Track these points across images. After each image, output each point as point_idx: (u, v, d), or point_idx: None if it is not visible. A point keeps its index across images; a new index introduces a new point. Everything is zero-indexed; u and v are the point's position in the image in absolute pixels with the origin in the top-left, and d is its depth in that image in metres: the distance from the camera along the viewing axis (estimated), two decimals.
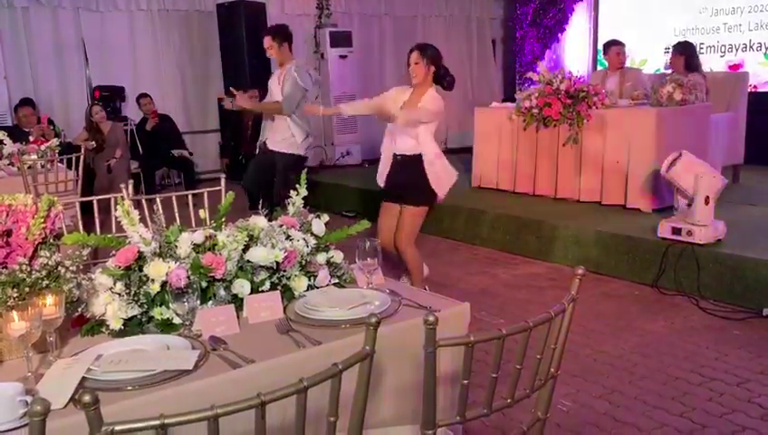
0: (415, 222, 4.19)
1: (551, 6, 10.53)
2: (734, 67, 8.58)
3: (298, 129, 5.29)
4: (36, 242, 1.79)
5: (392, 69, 10.56)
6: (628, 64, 7.80)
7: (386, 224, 4.25)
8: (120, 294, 1.85)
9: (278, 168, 5.35)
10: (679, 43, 6.84)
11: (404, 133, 4.10)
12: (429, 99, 4.08)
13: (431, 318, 1.38)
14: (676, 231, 4.57)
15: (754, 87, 8.07)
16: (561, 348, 1.66)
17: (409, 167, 4.11)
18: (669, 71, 6.71)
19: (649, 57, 9.33)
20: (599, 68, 9.08)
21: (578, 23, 10.60)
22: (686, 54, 6.50)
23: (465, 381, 1.46)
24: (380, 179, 4.33)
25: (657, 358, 3.60)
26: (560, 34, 10.74)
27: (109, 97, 8.64)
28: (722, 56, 8.79)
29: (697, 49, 8.28)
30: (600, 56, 8.23)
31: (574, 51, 10.70)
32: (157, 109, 8.42)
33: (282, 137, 5.34)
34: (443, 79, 4.13)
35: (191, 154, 8.53)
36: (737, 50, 8.68)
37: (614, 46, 6.81)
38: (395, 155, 4.19)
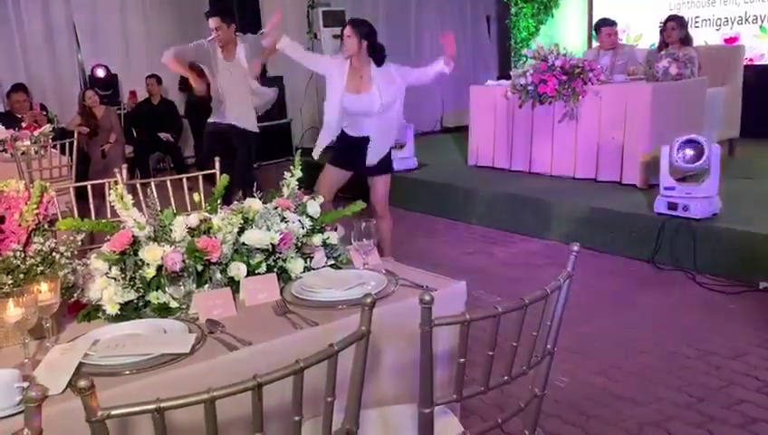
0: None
1: None
2: (730, 40, 8.52)
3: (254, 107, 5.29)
4: (30, 228, 1.78)
5: (386, 48, 10.46)
6: (623, 40, 7.74)
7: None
8: (115, 279, 1.85)
9: (240, 143, 5.24)
10: (677, 16, 6.78)
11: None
12: (384, 73, 4.18)
13: (427, 297, 1.38)
14: (673, 206, 4.57)
15: (750, 60, 8.03)
16: (558, 325, 1.66)
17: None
18: (660, 46, 6.66)
19: (645, 32, 9.26)
20: (594, 44, 9.01)
21: None
22: (679, 28, 6.46)
23: (462, 360, 1.46)
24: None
25: (655, 333, 3.62)
26: (554, 10, 10.65)
27: (104, 80, 8.60)
28: (717, 29, 8.73)
29: (692, 22, 8.23)
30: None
31: (569, 27, 10.62)
32: (155, 91, 8.39)
33: (247, 108, 5.24)
34: (374, 56, 4.20)
35: (174, 138, 8.45)
36: (733, 23, 8.61)
37: (605, 27, 6.77)
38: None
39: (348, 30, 4.14)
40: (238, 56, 5.12)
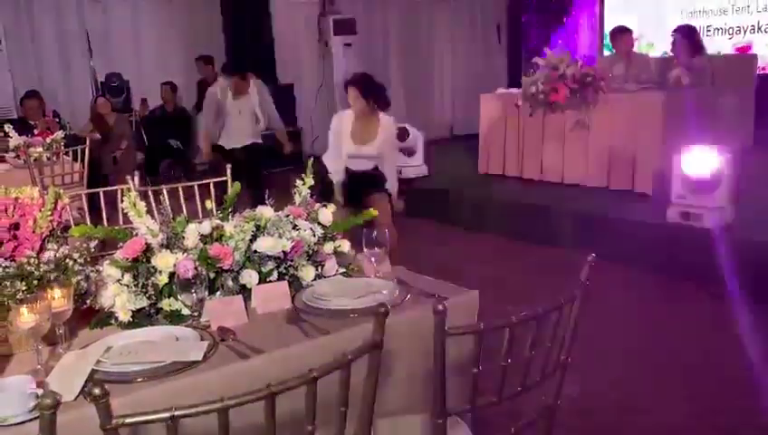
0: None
1: None
2: (742, 49, 8.49)
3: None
4: (44, 235, 1.79)
5: (397, 56, 10.50)
6: (636, 48, 7.73)
7: None
8: (128, 286, 1.85)
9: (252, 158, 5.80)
10: (682, 27, 6.76)
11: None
12: (387, 132, 4.34)
13: (440, 307, 1.37)
14: (685, 216, 4.54)
15: (763, 69, 7.99)
16: (572, 335, 1.65)
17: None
18: (672, 55, 6.64)
19: (656, 41, 9.24)
20: (605, 52, 8.99)
21: (583, 6, 10.52)
22: (689, 38, 6.43)
23: (476, 370, 1.45)
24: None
25: (667, 344, 3.59)
26: (565, 19, 10.65)
27: (116, 88, 8.66)
28: (729, 38, 8.70)
29: (704, 31, 8.19)
30: (607, 40, 8.16)
31: (580, 35, 10.62)
32: (169, 98, 8.45)
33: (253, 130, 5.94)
34: (378, 103, 4.30)
35: (181, 146, 8.50)
36: (745, 32, 8.58)
37: (622, 34, 6.73)
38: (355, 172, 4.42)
39: (353, 93, 4.22)
40: (250, 94, 5.86)
